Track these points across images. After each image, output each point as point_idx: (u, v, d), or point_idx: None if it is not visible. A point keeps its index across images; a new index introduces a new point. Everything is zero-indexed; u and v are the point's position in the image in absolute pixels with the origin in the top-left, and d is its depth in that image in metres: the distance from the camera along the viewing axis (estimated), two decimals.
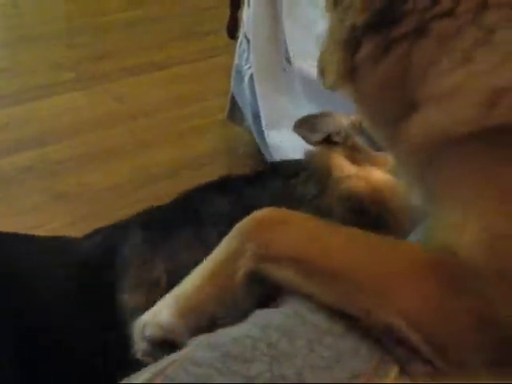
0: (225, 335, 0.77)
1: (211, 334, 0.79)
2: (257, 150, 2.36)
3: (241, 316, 0.81)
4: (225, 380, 0.69)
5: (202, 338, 0.78)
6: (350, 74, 0.85)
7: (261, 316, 0.79)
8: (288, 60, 2.12)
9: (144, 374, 0.73)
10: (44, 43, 3.10)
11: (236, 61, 2.38)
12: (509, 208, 0.71)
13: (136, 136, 2.51)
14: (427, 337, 0.70)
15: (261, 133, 2.26)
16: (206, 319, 0.84)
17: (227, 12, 2.78)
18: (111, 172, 2.30)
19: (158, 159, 2.39)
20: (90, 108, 2.66)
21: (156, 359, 0.78)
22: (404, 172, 0.87)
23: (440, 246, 0.74)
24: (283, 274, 0.79)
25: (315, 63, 1.98)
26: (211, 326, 0.82)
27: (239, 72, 2.36)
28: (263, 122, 2.22)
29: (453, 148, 0.74)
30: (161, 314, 0.86)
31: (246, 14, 2.28)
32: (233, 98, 2.46)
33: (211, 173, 2.32)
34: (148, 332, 0.86)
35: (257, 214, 0.84)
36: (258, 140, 2.34)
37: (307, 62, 1.99)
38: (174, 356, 0.75)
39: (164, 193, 2.17)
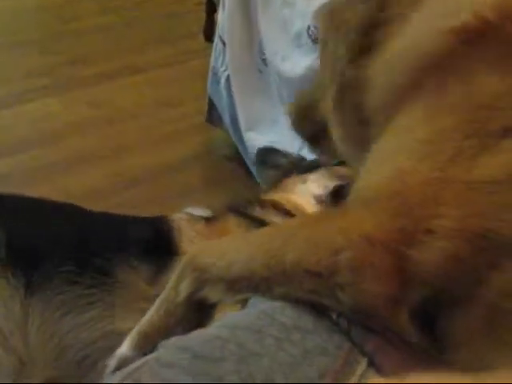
0: (194, 337, 0.78)
1: (181, 336, 0.80)
2: (235, 153, 2.37)
3: None
4: (193, 380, 0.70)
5: (172, 341, 0.80)
6: None
7: (230, 317, 0.81)
8: (264, 61, 2.14)
9: (115, 378, 0.74)
10: (18, 50, 3.09)
11: (212, 63, 2.38)
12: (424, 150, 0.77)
13: (113, 141, 2.50)
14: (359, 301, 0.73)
15: (239, 134, 2.28)
16: (153, 348, 0.88)
17: (202, 15, 2.80)
18: (89, 178, 2.29)
19: (136, 164, 2.39)
20: (65, 114, 2.66)
21: None
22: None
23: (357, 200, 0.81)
24: (216, 293, 0.86)
25: (291, 62, 2.01)
26: None
27: (215, 74, 2.37)
28: (241, 124, 2.24)
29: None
30: (122, 347, 0.95)
31: (221, 17, 2.29)
32: (210, 100, 2.47)
33: (190, 176, 2.35)
34: (112, 365, 0.94)
35: (195, 248, 0.96)
36: (236, 142, 2.35)
37: (283, 62, 2.01)
38: (143, 359, 0.76)
39: (143, 197, 2.18)
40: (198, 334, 0.79)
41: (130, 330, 0.97)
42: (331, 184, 1.57)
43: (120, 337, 0.99)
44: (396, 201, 0.74)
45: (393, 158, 0.80)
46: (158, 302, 0.95)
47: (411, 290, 0.72)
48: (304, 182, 1.64)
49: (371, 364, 0.73)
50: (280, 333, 0.75)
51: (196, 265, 0.88)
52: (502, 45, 0.78)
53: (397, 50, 0.87)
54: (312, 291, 0.76)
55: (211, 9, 2.78)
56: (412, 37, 0.87)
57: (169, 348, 0.77)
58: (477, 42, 0.78)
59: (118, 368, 0.92)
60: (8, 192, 1.57)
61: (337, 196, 1.53)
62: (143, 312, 1.30)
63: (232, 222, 1.54)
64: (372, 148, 0.85)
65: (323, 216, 0.84)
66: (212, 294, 0.86)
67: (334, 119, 1.02)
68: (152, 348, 0.90)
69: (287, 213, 1.56)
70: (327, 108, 1.03)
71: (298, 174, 1.66)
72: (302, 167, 1.69)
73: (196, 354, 0.73)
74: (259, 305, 0.81)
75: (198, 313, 0.91)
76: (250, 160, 2.21)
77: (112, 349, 1.12)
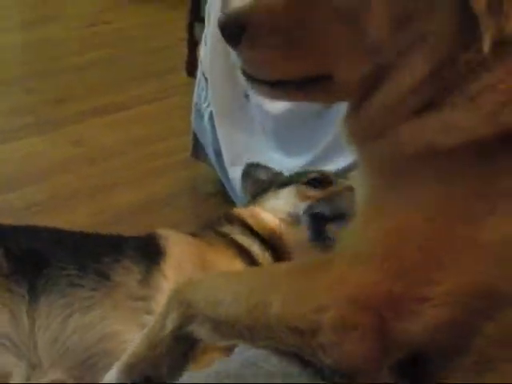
0: None
1: None
2: (221, 188, 2.38)
3: (169, 375, 0.89)
4: None
5: None
6: None
7: (217, 365, 0.81)
8: (246, 96, 2.15)
9: None
10: (2, 89, 3.10)
11: (195, 99, 2.40)
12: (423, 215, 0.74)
13: (97, 179, 2.50)
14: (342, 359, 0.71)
15: (223, 169, 2.28)
16: (139, 379, 0.91)
17: (183, 51, 2.81)
18: (73, 216, 2.27)
19: (120, 201, 2.39)
20: (49, 153, 2.66)
21: None
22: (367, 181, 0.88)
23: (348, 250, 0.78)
24: (202, 331, 0.85)
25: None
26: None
27: (199, 110, 2.38)
28: (225, 159, 2.24)
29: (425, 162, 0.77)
30: (108, 376, 0.95)
31: (204, 52, 2.31)
32: (195, 135, 2.48)
33: (175, 212, 2.35)
34: None
35: (182, 282, 0.94)
36: (221, 177, 2.36)
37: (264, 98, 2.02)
38: None
39: (127, 234, 2.17)
40: (185, 380, 0.79)
41: (124, 331, 0.96)
42: (299, 203, 1.62)
43: (117, 338, 1.00)
44: (389, 261, 0.71)
45: (395, 211, 0.76)
46: (144, 332, 0.94)
47: (396, 352, 0.71)
48: (276, 198, 1.69)
49: None
50: (264, 380, 0.74)
51: (182, 300, 0.88)
52: None
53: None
54: (294, 346, 0.75)
55: (193, 44, 2.80)
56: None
57: None
58: None
59: None
60: None
61: (314, 218, 1.58)
62: (135, 311, 1.39)
63: (208, 237, 1.62)
64: (375, 191, 0.82)
65: (310, 267, 0.81)
66: (198, 332, 0.86)
67: None
68: (139, 379, 0.91)
69: (246, 227, 1.64)
70: None
71: (275, 189, 1.72)
72: (278, 183, 1.75)
73: None
74: (245, 351, 0.80)
75: (184, 345, 0.90)
76: (235, 194, 2.21)
77: (110, 350, 1.14)
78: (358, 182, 0.87)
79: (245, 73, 0.85)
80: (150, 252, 1.51)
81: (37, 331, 1.37)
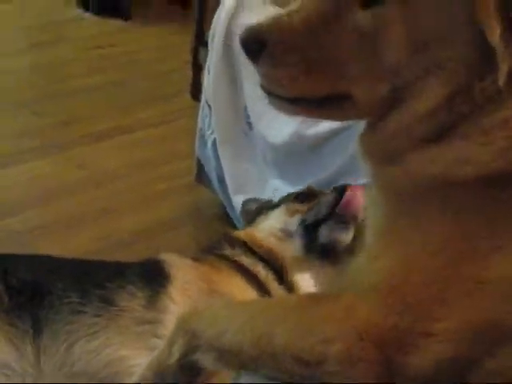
0: None
1: None
2: (224, 213, 2.38)
3: None
4: None
5: None
6: None
7: None
8: (249, 125, 2.16)
9: None
10: (8, 112, 3.10)
11: (199, 125, 2.41)
12: (432, 249, 0.74)
13: (101, 203, 2.50)
14: None
15: (227, 195, 2.29)
16: None
17: (187, 75, 2.81)
18: (78, 240, 2.28)
19: (125, 225, 2.39)
20: (54, 176, 2.66)
21: None
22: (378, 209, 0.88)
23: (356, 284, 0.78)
24: (207, 360, 0.86)
25: (275, 128, 2.04)
26: None
27: (202, 137, 2.39)
28: (228, 187, 2.25)
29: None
30: None
31: (207, 81, 2.32)
32: (199, 160, 2.48)
33: (179, 236, 2.35)
34: None
35: (188, 311, 0.95)
36: (225, 203, 2.36)
37: (267, 128, 2.04)
38: None
39: (130, 258, 2.18)
40: None
41: (131, 356, 0.96)
42: (289, 219, 1.66)
43: (124, 362, 1.00)
44: (394, 296, 0.72)
45: (402, 244, 0.76)
46: (152, 358, 0.95)
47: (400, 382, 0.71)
48: (267, 219, 1.73)
49: None
50: None
51: (188, 329, 0.88)
52: None
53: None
54: (299, 376, 0.75)
55: (197, 67, 2.80)
56: None
57: None
58: None
59: None
60: None
61: (307, 228, 1.61)
62: (140, 336, 1.38)
63: (212, 261, 1.62)
64: (385, 221, 0.82)
65: (317, 299, 0.82)
66: (203, 360, 0.86)
67: None
68: None
69: (247, 249, 1.65)
70: None
71: (266, 212, 1.76)
72: (269, 206, 1.79)
73: None
74: (247, 379, 0.82)
75: (189, 373, 0.90)
76: (239, 221, 2.22)
77: (118, 375, 1.14)
78: (370, 207, 0.88)
79: (264, 88, 0.86)
80: (154, 276, 1.51)
81: (42, 361, 1.36)
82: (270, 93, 0.86)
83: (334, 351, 0.71)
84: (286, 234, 1.65)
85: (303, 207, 1.67)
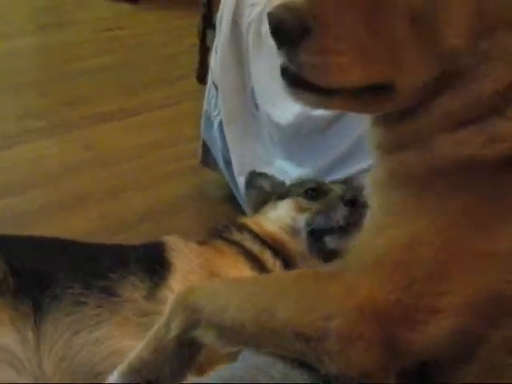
0: None
1: None
2: (229, 194, 2.38)
3: (170, 381, 0.89)
4: None
5: None
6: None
7: (222, 371, 0.81)
8: (256, 105, 2.16)
9: None
10: (15, 92, 3.11)
11: (205, 107, 2.40)
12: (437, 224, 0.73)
13: (106, 183, 2.51)
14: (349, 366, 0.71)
15: (233, 177, 2.29)
16: (141, 383, 0.91)
17: (194, 58, 2.81)
18: (83, 220, 2.29)
19: (129, 206, 2.39)
20: (60, 156, 2.67)
21: None
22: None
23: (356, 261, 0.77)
24: (207, 337, 0.84)
25: (281, 108, 2.03)
26: None
27: (208, 118, 2.39)
28: (234, 169, 2.25)
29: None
30: (110, 379, 0.94)
31: (214, 61, 2.31)
32: (204, 143, 2.48)
33: (184, 218, 2.35)
34: None
35: (187, 287, 0.95)
36: (230, 184, 2.36)
37: (273, 108, 2.03)
38: None
39: (135, 240, 2.19)
40: None
41: (132, 347, 0.96)
42: (297, 216, 1.65)
43: (126, 353, 1.01)
44: (399, 271, 0.71)
45: (408, 221, 0.75)
46: (149, 336, 0.94)
47: (402, 361, 0.70)
48: (274, 209, 1.73)
49: None
50: None
51: (187, 304, 0.87)
52: None
53: None
54: (299, 353, 0.75)
55: (205, 50, 2.80)
56: None
57: None
58: None
59: None
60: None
61: (312, 233, 1.62)
62: (142, 327, 1.38)
63: (217, 245, 1.62)
64: (392, 201, 0.80)
65: (319, 275, 0.80)
66: (203, 337, 0.85)
67: None
68: (140, 382, 0.91)
69: (256, 236, 1.64)
70: None
71: (274, 201, 1.75)
72: (278, 194, 1.77)
73: None
74: (251, 357, 0.80)
75: (188, 350, 0.89)
76: (244, 201, 2.22)
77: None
78: (374, 187, 0.85)
79: (287, 75, 0.78)
80: (156, 266, 1.51)
81: (42, 349, 1.36)
82: (296, 82, 0.78)
83: (334, 327, 0.70)
84: (294, 230, 1.65)
85: (312, 205, 1.65)
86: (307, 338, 0.73)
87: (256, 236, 1.65)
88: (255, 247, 1.62)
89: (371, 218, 0.83)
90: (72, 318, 1.39)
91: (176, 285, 1.46)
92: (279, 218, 1.69)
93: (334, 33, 0.73)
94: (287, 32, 0.73)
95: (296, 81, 0.77)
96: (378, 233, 0.78)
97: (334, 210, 1.58)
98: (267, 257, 1.60)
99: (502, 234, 0.71)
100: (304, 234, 1.63)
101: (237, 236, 1.65)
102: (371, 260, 0.74)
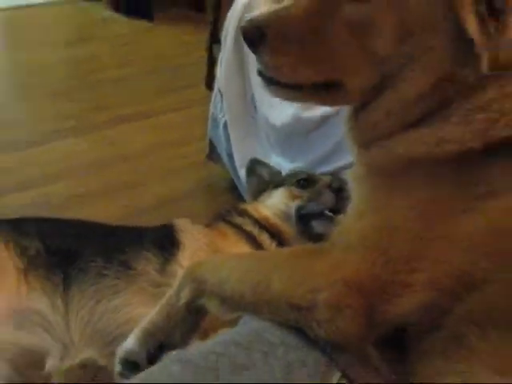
0: (194, 351, 0.77)
1: (183, 350, 0.80)
2: (232, 185, 2.38)
3: (180, 343, 0.88)
4: None
5: (175, 354, 0.79)
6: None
7: (224, 334, 0.81)
8: (255, 109, 2.15)
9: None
10: (49, 97, 3.10)
11: (212, 110, 2.40)
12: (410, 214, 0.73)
13: (127, 175, 2.51)
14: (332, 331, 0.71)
15: (235, 170, 2.28)
16: (155, 345, 0.90)
17: (202, 68, 2.81)
18: (106, 206, 2.28)
19: (147, 194, 2.39)
20: (88, 152, 2.66)
21: (126, 378, 0.82)
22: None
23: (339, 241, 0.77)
24: (211, 305, 0.85)
25: (277, 110, 2.02)
26: (159, 350, 0.89)
27: (215, 120, 2.38)
28: (236, 162, 2.24)
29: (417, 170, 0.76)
30: (127, 342, 0.93)
31: (219, 71, 2.31)
32: (211, 141, 2.47)
33: (193, 205, 2.35)
34: (119, 356, 0.93)
35: (194, 262, 0.94)
36: (232, 176, 2.36)
37: (270, 109, 2.03)
38: (145, 372, 0.75)
39: (152, 223, 2.18)
40: (197, 349, 0.78)
41: (147, 314, 0.96)
42: (290, 203, 1.64)
43: (141, 319, 1.01)
44: (378, 252, 0.71)
45: (385, 209, 0.75)
46: (161, 304, 0.93)
47: (380, 328, 0.71)
48: (270, 197, 1.71)
49: (344, 376, 0.72)
50: (267, 348, 0.74)
51: (194, 277, 0.87)
52: None
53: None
54: (292, 320, 0.75)
55: (212, 62, 2.79)
56: None
57: (170, 361, 0.76)
58: None
59: (124, 358, 0.93)
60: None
61: (301, 218, 1.61)
62: (155, 297, 1.36)
63: (221, 227, 1.60)
64: (369, 190, 0.80)
65: (309, 252, 0.80)
66: (207, 305, 0.86)
67: None
68: (154, 345, 0.90)
69: (256, 221, 1.62)
70: None
71: (270, 190, 1.74)
72: (274, 183, 1.77)
73: (196, 366, 0.73)
74: (250, 323, 0.80)
75: (195, 316, 0.90)
76: (244, 190, 2.22)
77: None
78: (354, 180, 0.85)
79: (262, 75, 0.82)
80: (167, 244, 1.50)
81: (70, 315, 1.36)
82: (268, 80, 0.82)
83: (322, 299, 0.71)
84: (286, 216, 1.64)
85: (303, 193, 1.64)
86: (298, 308, 0.73)
87: (255, 220, 1.64)
88: (254, 230, 1.60)
89: (352, 205, 0.82)
90: (94, 288, 1.39)
91: (184, 261, 1.45)
92: (274, 204, 1.68)
93: (283, 37, 0.78)
94: (250, 38, 0.79)
95: (270, 80, 0.81)
96: (357, 218, 0.78)
97: (323, 196, 1.58)
98: (264, 238, 1.59)
99: (461, 221, 0.71)
100: (294, 219, 1.62)
101: (238, 220, 1.64)
102: (354, 241, 0.74)
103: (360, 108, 0.82)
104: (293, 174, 1.77)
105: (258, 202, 1.75)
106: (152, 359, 0.90)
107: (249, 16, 0.81)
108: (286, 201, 1.67)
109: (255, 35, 0.79)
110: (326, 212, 1.56)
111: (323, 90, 0.81)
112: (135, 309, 1.37)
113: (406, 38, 0.74)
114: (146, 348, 0.91)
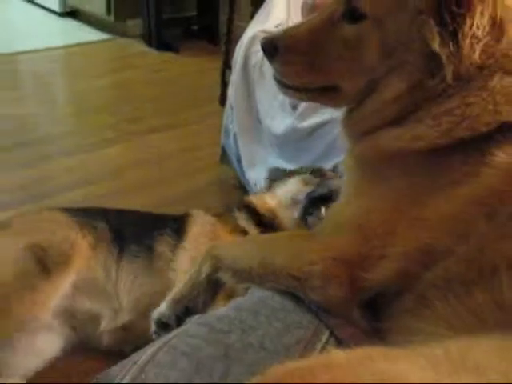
0: (211, 315, 0.78)
1: (201, 315, 0.79)
2: (240, 184, 2.37)
3: (202, 308, 0.89)
4: (209, 347, 0.69)
5: (195, 318, 0.79)
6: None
7: (235, 302, 0.81)
8: (259, 120, 2.14)
9: (150, 348, 0.72)
10: (94, 113, 3.09)
11: (224, 122, 2.39)
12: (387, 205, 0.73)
13: (155, 175, 2.50)
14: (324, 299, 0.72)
15: (242, 172, 2.28)
16: (182, 310, 0.91)
17: (217, 89, 2.83)
18: (140, 200, 2.26)
19: (171, 191, 2.38)
20: (124, 157, 2.65)
21: (159, 335, 0.83)
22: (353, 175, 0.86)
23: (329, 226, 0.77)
24: (227, 277, 0.85)
25: (277, 121, 2.01)
26: (186, 313, 0.90)
27: (227, 130, 2.38)
28: (243, 165, 2.24)
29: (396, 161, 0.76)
30: (160, 306, 0.95)
31: (230, 91, 2.31)
32: (223, 147, 2.47)
33: (208, 199, 2.35)
34: (153, 318, 0.94)
35: (213, 244, 0.96)
36: (240, 177, 2.35)
37: (272, 121, 2.02)
38: (174, 332, 0.75)
39: (175, 213, 2.17)
40: (213, 314, 0.78)
41: (167, 290, 0.98)
42: (302, 188, 1.54)
43: (163, 295, 1.02)
44: (359, 233, 0.72)
45: (366, 197, 0.76)
46: (186, 277, 0.94)
47: (362, 294, 0.71)
48: (284, 185, 1.61)
49: (332, 335, 0.72)
50: (270, 312, 0.74)
51: (213, 255, 0.88)
52: None
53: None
54: (292, 288, 0.75)
55: (224, 84, 2.79)
56: None
57: (193, 324, 0.76)
58: None
59: (158, 320, 0.94)
60: None
61: (311, 199, 1.48)
62: (169, 273, 1.37)
63: (224, 218, 1.57)
64: (355, 181, 0.81)
65: (305, 236, 0.82)
66: (223, 277, 0.86)
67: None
68: (181, 310, 0.91)
69: (253, 213, 1.55)
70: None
71: (283, 180, 1.65)
72: (285, 175, 1.69)
73: (212, 328, 0.73)
74: (256, 292, 0.81)
75: (214, 286, 0.90)
76: (250, 188, 2.21)
77: (159, 303, 1.14)
78: (345, 170, 0.86)
79: (277, 80, 0.85)
80: (181, 230, 1.48)
81: (119, 285, 1.37)
82: (281, 83, 0.85)
83: (316, 270, 0.71)
84: (294, 202, 1.54)
85: (315, 181, 1.56)
86: (297, 278, 0.73)
87: (250, 214, 1.56)
88: (245, 224, 1.54)
89: (343, 193, 0.83)
90: (134, 266, 1.40)
91: (187, 245, 1.43)
92: (285, 191, 1.58)
93: (292, 51, 0.81)
94: (266, 50, 0.83)
95: (283, 84, 0.85)
96: (346, 204, 0.79)
97: (331, 180, 1.53)
98: (252, 231, 1.53)
99: (430, 205, 0.70)
100: (303, 202, 1.49)
101: (236, 214, 1.58)
102: (342, 223, 0.75)
103: (354, 108, 0.83)
104: (307, 167, 1.69)
105: (267, 192, 1.65)
106: (179, 321, 0.90)
107: (266, 34, 0.85)
108: (298, 187, 1.57)
109: (270, 48, 0.82)
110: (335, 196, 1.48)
111: (324, 93, 0.83)
112: (158, 284, 1.37)
113: (387, 53, 0.76)
114: (175, 312, 0.92)
